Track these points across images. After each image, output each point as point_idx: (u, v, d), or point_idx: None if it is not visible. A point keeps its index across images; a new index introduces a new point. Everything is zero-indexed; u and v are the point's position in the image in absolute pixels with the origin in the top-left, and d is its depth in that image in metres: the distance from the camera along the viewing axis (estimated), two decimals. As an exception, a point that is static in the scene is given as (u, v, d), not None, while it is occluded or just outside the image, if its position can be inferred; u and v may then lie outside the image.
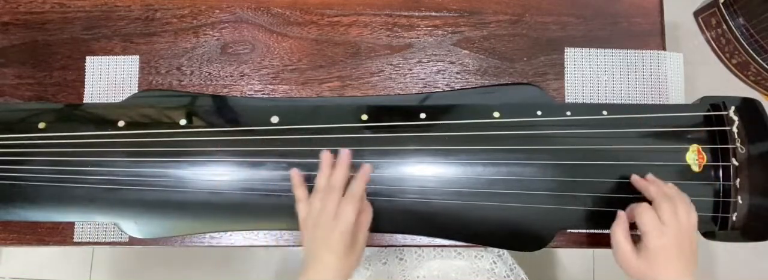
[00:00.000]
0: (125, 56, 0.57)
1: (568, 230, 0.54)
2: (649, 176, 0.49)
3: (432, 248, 0.63)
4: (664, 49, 0.58)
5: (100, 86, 0.57)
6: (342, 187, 0.46)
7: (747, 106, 0.52)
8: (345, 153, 0.48)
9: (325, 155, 0.48)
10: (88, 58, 0.57)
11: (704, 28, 1.28)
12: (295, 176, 0.49)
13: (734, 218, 0.50)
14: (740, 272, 1.21)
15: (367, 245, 0.55)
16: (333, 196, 0.45)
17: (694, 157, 0.52)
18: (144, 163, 0.52)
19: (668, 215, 0.43)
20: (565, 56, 0.58)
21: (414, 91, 0.57)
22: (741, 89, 1.26)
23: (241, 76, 0.57)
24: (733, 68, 1.26)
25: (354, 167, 0.50)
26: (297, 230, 0.54)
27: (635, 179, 0.49)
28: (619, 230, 0.45)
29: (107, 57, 0.57)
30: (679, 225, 0.43)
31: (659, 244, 0.43)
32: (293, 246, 0.55)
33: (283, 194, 0.51)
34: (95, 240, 0.54)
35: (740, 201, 0.50)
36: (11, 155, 0.52)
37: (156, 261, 1.23)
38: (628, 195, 0.50)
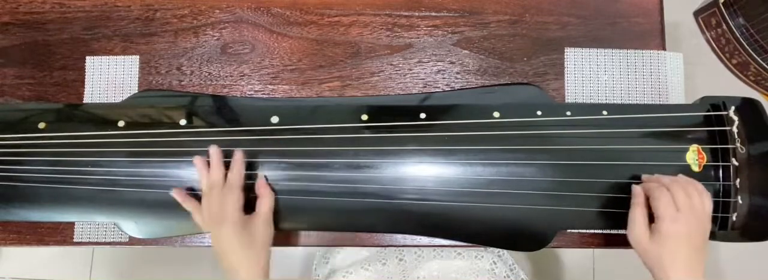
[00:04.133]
0: (125, 56, 0.57)
1: (568, 230, 0.54)
2: (657, 175, 0.49)
3: (432, 249, 0.63)
4: (664, 49, 0.58)
5: (100, 86, 0.57)
6: (220, 184, 0.48)
7: (747, 106, 0.52)
8: (213, 151, 0.49)
9: (197, 159, 0.49)
10: (88, 58, 0.57)
11: (704, 28, 1.28)
12: (177, 195, 0.49)
13: (734, 218, 0.50)
14: (740, 272, 1.21)
15: (367, 245, 0.55)
16: (213, 195, 0.47)
17: (694, 157, 0.52)
18: (144, 163, 0.52)
19: (683, 201, 0.44)
20: (565, 56, 0.58)
21: (414, 91, 0.57)
22: (741, 89, 1.26)
23: (241, 76, 0.57)
24: (733, 68, 1.26)
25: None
26: (296, 230, 0.55)
27: (646, 177, 0.49)
28: (638, 210, 0.46)
29: (107, 57, 0.57)
30: (694, 212, 0.44)
31: (672, 229, 0.43)
32: (293, 246, 0.55)
33: (284, 195, 0.51)
34: (95, 240, 0.54)
35: (740, 201, 0.50)
36: (11, 155, 0.52)
37: (156, 261, 1.23)
38: (628, 195, 0.50)
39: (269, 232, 0.48)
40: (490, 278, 0.60)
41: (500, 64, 0.57)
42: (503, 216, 0.51)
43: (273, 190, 0.51)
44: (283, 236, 0.55)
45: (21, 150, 0.52)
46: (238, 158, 0.49)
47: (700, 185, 0.46)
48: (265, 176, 0.51)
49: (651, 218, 0.45)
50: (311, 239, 0.55)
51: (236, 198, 0.47)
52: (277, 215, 0.51)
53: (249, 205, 0.49)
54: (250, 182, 0.50)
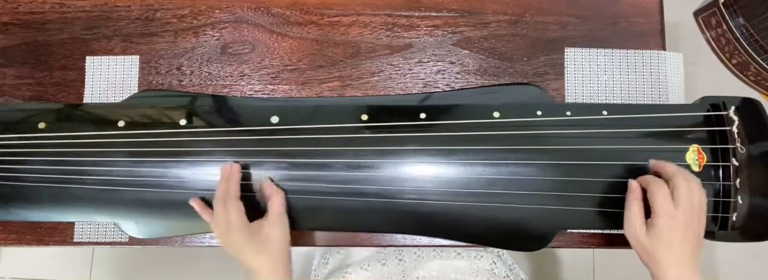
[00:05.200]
0: (125, 56, 0.57)
1: (568, 230, 0.54)
2: (661, 161, 0.49)
3: (431, 249, 0.63)
4: (664, 49, 0.58)
5: (100, 86, 0.57)
6: (225, 196, 0.48)
7: (747, 106, 0.52)
8: (226, 167, 0.50)
9: (223, 168, 0.50)
10: (88, 58, 0.57)
11: (704, 28, 1.28)
12: (196, 205, 0.50)
13: (734, 218, 0.50)
14: (740, 272, 1.21)
15: (367, 245, 0.55)
16: (218, 207, 0.48)
17: (694, 157, 0.52)
18: (144, 163, 0.52)
19: (684, 195, 0.43)
20: (565, 56, 0.58)
21: (414, 91, 0.57)
22: (741, 89, 1.26)
23: (241, 76, 0.57)
24: (733, 68, 1.26)
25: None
26: (296, 230, 0.55)
27: (653, 162, 0.49)
28: (634, 205, 0.45)
29: (107, 57, 0.57)
30: (692, 207, 0.44)
31: (668, 225, 0.43)
32: (293, 246, 0.55)
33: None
34: (95, 240, 0.55)
35: (740, 201, 0.50)
36: (11, 155, 0.52)
37: (156, 261, 1.23)
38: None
39: (283, 232, 0.48)
40: (490, 278, 0.61)
41: (500, 64, 0.57)
42: (503, 216, 0.51)
43: (283, 189, 0.51)
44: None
45: (21, 150, 0.52)
46: (234, 168, 0.50)
47: (698, 181, 0.46)
48: (270, 178, 0.51)
49: (647, 213, 0.45)
50: (311, 239, 0.55)
51: (235, 207, 0.47)
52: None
53: (260, 210, 0.50)
54: (249, 189, 0.51)
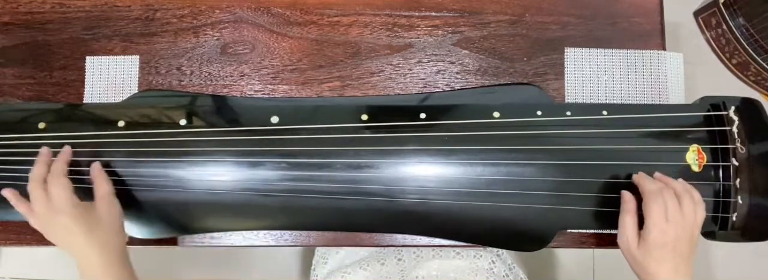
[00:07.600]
0: (125, 56, 0.57)
1: (568, 230, 0.54)
2: (657, 174, 0.49)
3: (431, 248, 0.63)
4: (664, 49, 0.58)
5: (100, 86, 0.57)
6: (42, 178, 0.46)
7: (747, 106, 0.52)
8: (40, 151, 0.49)
9: (40, 152, 0.49)
10: (88, 58, 0.57)
11: (704, 28, 1.28)
12: (10, 197, 0.47)
13: (734, 218, 0.50)
14: (740, 272, 1.21)
15: (367, 245, 0.55)
16: (36, 189, 0.45)
17: (694, 157, 0.52)
18: (144, 163, 0.52)
19: (673, 212, 0.44)
20: (565, 56, 0.58)
21: (414, 91, 0.57)
22: (741, 89, 1.26)
23: (241, 76, 0.57)
24: (733, 68, 1.26)
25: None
26: (296, 230, 0.55)
27: (636, 178, 0.48)
28: (628, 217, 0.46)
29: (107, 57, 0.57)
30: (683, 224, 0.44)
31: (659, 240, 0.43)
32: (293, 246, 0.55)
33: (283, 194, 0.51)
34: (95, 240, 0.54)
35: (740, 201, 0.50)
36: (11, 155, 0.52)
37: (156, 261, 1.23)
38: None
39: (115, 212, 0.46)
40: (489, 278, 0.61)
41: (500, 64, 0.57)
42: (503, 216, 0.51)
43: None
44: (281, 236, 0.55)
45: (21, 150, 0.52)
46: (65, 150, 0.49)
47: (697, 195, 0.46)
48: (99, 162, 0.50)
49: (641, 220, 0.46)
50: (311, 239, 0.55)
51: (62, 185, 0.45)
52: (276, 214, 0.51)
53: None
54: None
